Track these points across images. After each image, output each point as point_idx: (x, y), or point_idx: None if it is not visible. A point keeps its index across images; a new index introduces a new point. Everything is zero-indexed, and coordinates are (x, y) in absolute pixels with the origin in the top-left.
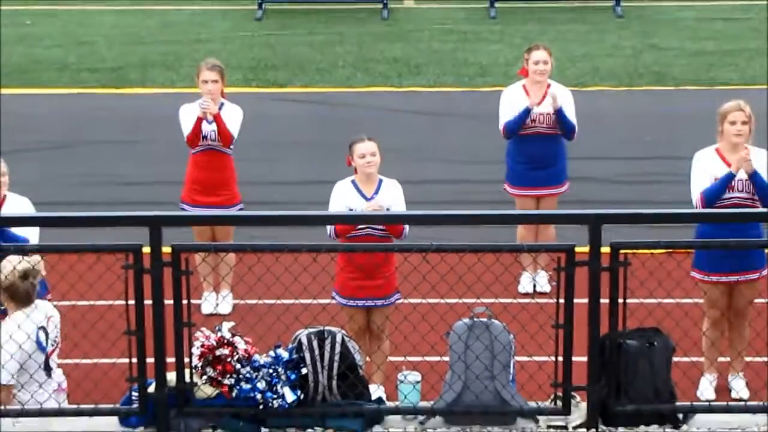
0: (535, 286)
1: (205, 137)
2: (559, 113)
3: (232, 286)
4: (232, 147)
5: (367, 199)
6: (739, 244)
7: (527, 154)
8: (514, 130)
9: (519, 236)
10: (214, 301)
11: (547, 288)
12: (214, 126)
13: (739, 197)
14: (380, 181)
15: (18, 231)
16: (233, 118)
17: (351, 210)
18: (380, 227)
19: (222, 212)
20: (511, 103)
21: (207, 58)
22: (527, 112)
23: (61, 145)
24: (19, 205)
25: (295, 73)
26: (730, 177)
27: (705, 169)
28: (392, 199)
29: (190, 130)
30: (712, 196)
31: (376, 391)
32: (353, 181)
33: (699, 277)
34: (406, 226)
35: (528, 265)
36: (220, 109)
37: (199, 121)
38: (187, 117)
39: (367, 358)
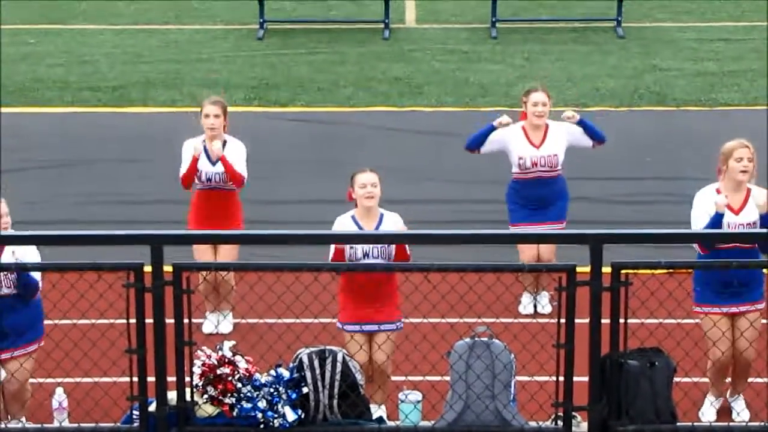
0: (536, 306)
1: (209, 179)
2: (582, 124)
3: (233, 305)
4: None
5: None
6: (741, 265)
7: (528, 197)
8: (473, 142)
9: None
10: (215, 321)
11: (548, 309)
12: (219, 168)
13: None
14: (381, 215)
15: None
16: (238, 156)
17: (351, 248)
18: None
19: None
20: (505, 138)
21: (211, 79)
22: (491, 128)
23: (63, 164)
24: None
25: (296, 92)
26: (720, 216)
27: (706, 210)
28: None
29: (185, 169)
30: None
31: (377, 411)
32: (353, 217)
33: (702, 311)
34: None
35: (528, 285)
36: (223, 146)
37: (195, 161)
38: (190, 155)
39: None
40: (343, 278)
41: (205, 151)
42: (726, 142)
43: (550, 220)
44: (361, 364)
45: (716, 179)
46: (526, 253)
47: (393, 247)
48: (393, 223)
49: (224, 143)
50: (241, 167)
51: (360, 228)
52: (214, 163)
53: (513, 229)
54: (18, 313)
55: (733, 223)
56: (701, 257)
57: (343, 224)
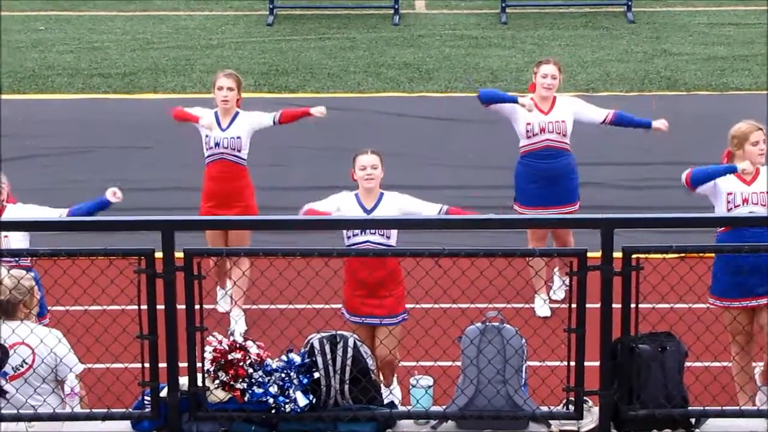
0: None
1: (218, 144)
2: (628, 122)
3: (237, 301)
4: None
5: (367, 211)
6: (753, 249)
7: (537, 172)
8: (491, 99)
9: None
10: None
11: (560, 295)
12: (228, 134)
13: (755, 212)
14: (381, 194)
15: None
16: (254, 115)
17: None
18: (378, 241)
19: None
20: (514, 107)
21: (221, 65)
22: (513, 100)
23: (73, 151)
24: (19, 212)
25: (306, 78)
26: (731, 169)
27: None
28: (397, 207)
29: (188, 110)
30: (701, 174)
31: (389, 396)
32: (357, 195)
33: (720, 305)
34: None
35: (540, 289)
36: (234, 118)
37: (195, 119)
38: (200, 112)
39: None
40: (347, 273)
41: (216, 118)
42: (735, 125)
43: (562, 203)
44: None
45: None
46: (537, 234)
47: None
48: (392, 200)
49: (235, 116)
50: (266, 116)
51: (360, 204)
52: (223, 129)
53: (521, 210)
54: None
55: (746, 192)
56: (720, 239)
57: (345, 197)
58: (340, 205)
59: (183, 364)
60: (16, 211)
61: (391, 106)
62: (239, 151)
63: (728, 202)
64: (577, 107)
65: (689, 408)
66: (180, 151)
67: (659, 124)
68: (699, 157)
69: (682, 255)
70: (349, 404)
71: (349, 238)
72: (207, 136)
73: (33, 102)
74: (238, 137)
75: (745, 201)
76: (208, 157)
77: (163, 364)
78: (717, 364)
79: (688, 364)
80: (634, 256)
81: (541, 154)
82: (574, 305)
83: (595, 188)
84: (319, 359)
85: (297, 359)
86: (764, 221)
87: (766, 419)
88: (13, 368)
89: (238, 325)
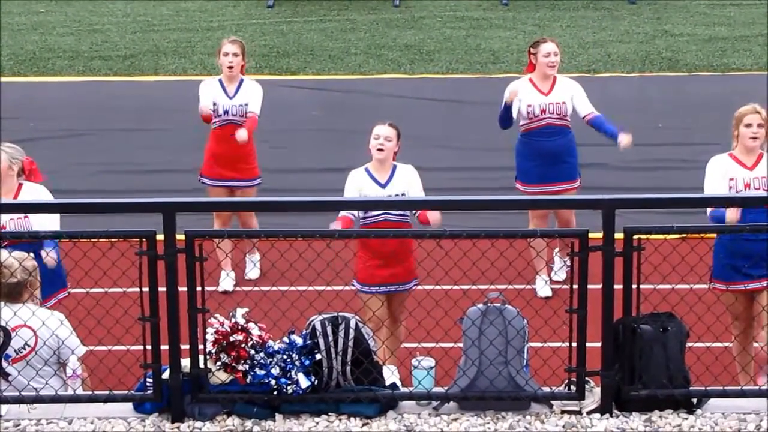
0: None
1: (226, 111)
2: (599, 128)
3: (259, 251)
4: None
5: (382, 186)
6: (753, 229)
7: (538, 149)
8: (504, 123)
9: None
10: (233, 280)
11: (562, 275)
12: (236, 101)
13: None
14: (394, 167)
15: (40, 222)
16: (255, 96)
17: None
18: (397, 213)
19: (241, 185)
20: (516, 92)
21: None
22: (506, 107)
23: (74, 133)
24: (34, 193)
25: (307, 60)
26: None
27: (719, 171)
28: (407, 183)
29: (204, 111)
30: (719, 220)
31: (391, 377)
32: (366, 169)
33: (721, 288)
34: (438, 214)
35: (541, 269)
36: (239, 86)
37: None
38: (206, 91)
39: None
40: (359, 244)
41: (222, 86)
42: (740, 107)
43: (563, 180)
44: (379, 319)
45: (731, 144)
46: (539, 213)
47: (407, 192)
48: (405, 173)
49: (241, 83)
50: (255, 106)
51: (373, 179)
52: (231, 97)
53: (522, 188)
54: None
55: (748, 177)
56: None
57: (356, 176)
58: (358, 187)
59: (185, 346)
60: (33, 191)
61: (392, 88)
62: (246, 116)
63: (730, 187)
64: (575, 92)
65: (691, 388)
66: (181, 133)
67: (625, 140)
68: (701, 138)
69: (684, 235)
70: (351, 386)
71: (366, 212)
72: (215, 103)
73: (34, 85)
74: (246, 104)
75: (747, 186)
76: (215, 122)
77: (165, 346)
78: (718, 344)
79: (689, 344)
80: (635, 236)
81: (542, 131)
82: (575, 286)
83: (600, 169)
84: (321, 341)
85: (299, 341)
86: (766, 201)
87: (766, 399)
88: (15, 351)
89: (254, 270)
